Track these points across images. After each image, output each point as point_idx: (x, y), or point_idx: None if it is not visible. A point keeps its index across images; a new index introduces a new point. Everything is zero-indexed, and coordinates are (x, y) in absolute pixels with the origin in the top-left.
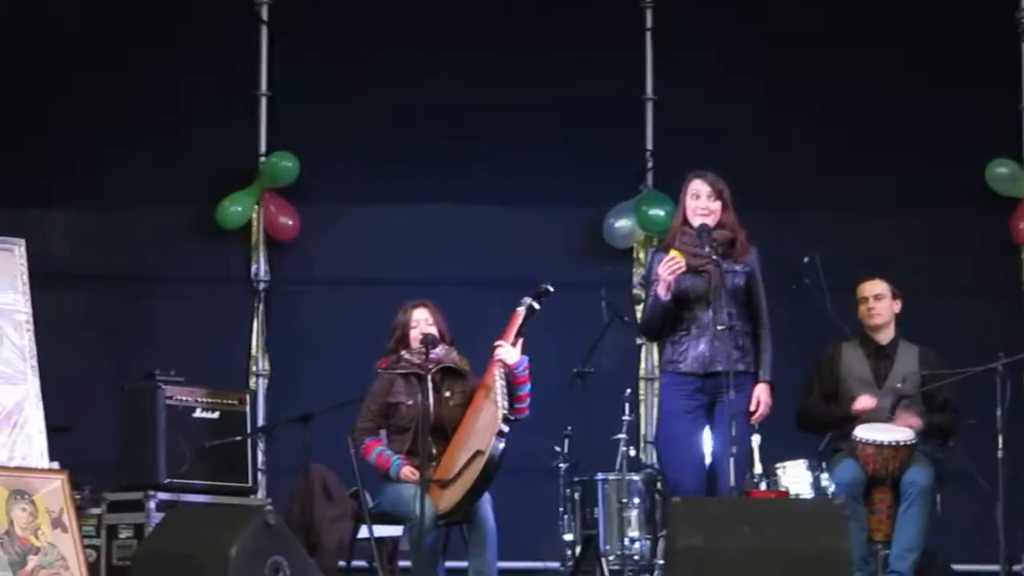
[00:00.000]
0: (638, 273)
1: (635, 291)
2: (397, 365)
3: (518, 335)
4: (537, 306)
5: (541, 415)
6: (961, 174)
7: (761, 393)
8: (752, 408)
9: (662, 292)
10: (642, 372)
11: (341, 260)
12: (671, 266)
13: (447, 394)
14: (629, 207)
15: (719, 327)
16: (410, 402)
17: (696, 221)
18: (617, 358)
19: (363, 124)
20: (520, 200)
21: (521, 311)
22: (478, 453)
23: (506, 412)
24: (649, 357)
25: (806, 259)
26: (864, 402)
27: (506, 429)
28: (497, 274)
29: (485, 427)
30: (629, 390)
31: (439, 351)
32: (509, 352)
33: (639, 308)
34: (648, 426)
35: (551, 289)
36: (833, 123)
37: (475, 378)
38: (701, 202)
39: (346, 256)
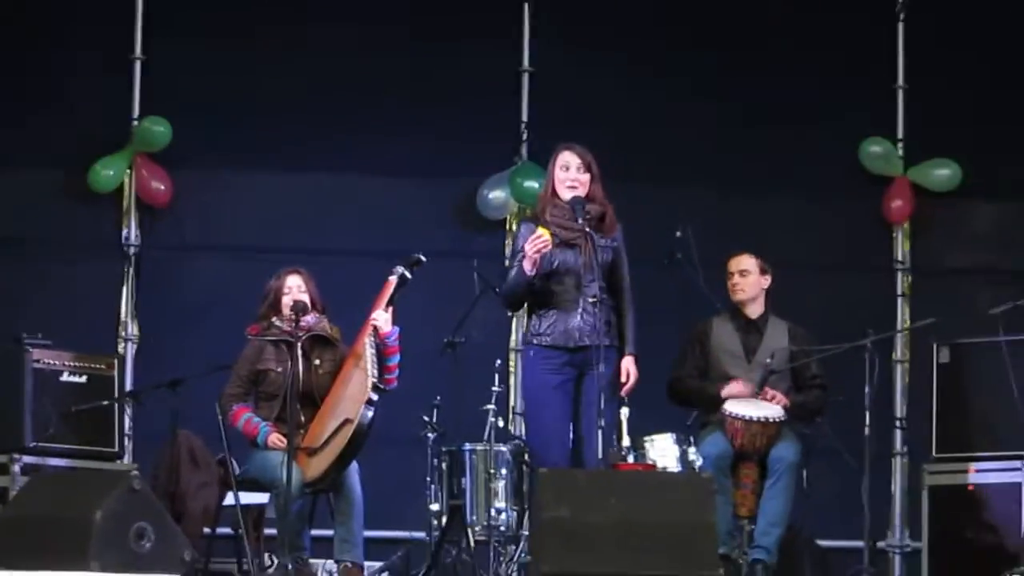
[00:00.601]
0: (511, 244)
1: (508, 262)
2: (267, 332)
3: (389, 304)
4: (409, 275)
5: (411, 385)
6: (836, 151)
7: (629, 365)
8: (623, 380)
9: (527, 267)
10: (513, 343)
11: (214, 227)
12: (536, 244)
13: (316, 362)
14: (503, 178)
15: (590, 299)
16: (279, 369)
17: (565, 193)
18: (488, 329)
19: (238, 90)
20: (395, 170)
21: (393, 280)
22: (346, 421)
23: (376, 381)
24: (520, 329)
25: (678, 233)
26: (735, 388)
27: (375, 398)
28: (371, 244)
29: (354, 396)
30: (499, 361)
31: (310, 319)
32: (380, 321)
33: None
34: (517, 398)
35: (423, 259)
36: (707, 98)
37: (345, 347)
38: (571, 174)
39: (219, 223)
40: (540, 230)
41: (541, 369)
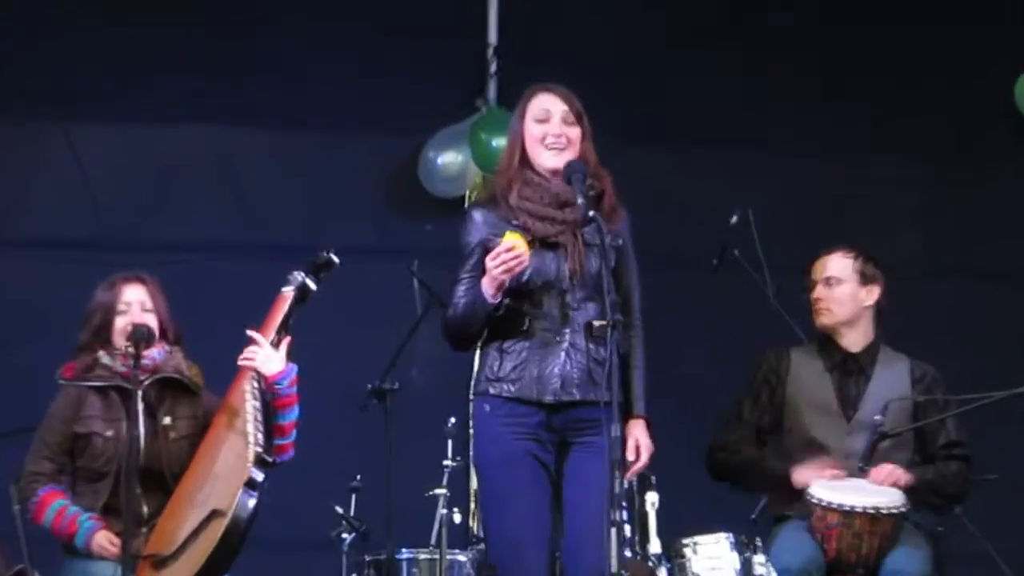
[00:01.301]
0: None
1: (456, 271)
2: (90, 374)
3: (282, 330)
4: (313, 285)
5: (316, 455)
6: (981, 96)
7: (639, 434)
8: (631, 455)
9: (488, 291)
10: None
11: (8, 208)
12: (504, 260)
13: (167, 420)
14: (459, 134)
15: (581, 326)
16: (109, 433)
17: (545, 158)
18: (436, 367)
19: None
20: (296, 122)
21: (288, 293)
22: (215, 513)
23: (260, 451)
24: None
25: (733, 219)
26: (818, 473)
27: (260, 477)
28: (258, 234)
29: (228, 473)
30: (453, 420)
31: (157, 353)
32: (267, 357)
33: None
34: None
35: (335, 259)
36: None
37: (212, 396)
38: (552, 127)
39: (18, 202)
40: (510, 238)
41: (502, 432)
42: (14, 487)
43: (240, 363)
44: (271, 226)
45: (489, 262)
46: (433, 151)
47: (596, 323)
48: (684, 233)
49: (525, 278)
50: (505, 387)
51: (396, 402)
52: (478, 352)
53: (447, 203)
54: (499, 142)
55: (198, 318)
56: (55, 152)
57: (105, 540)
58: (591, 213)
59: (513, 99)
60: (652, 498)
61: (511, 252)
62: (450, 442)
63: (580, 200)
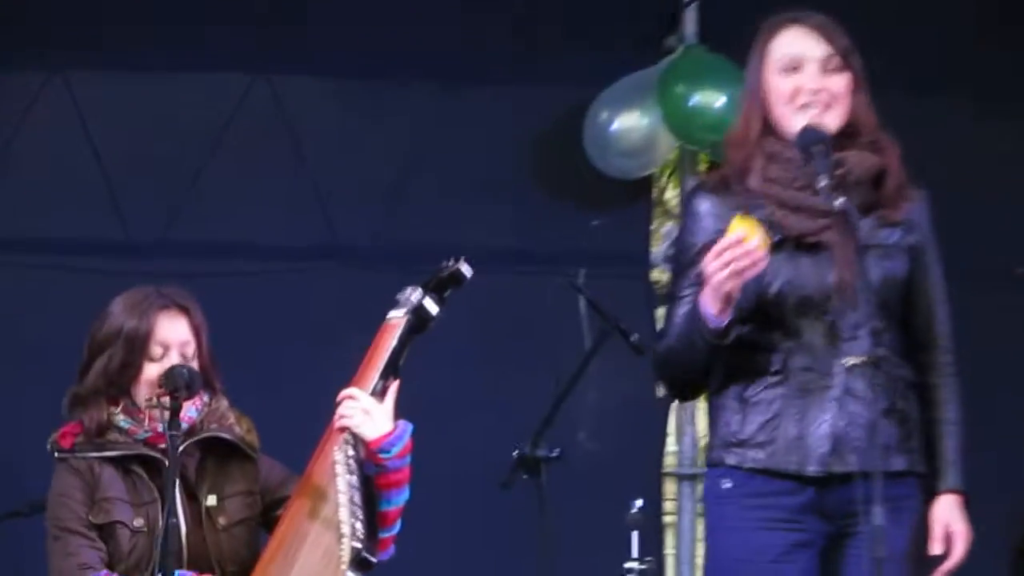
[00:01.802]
0: (661, 237)
1: (655, 273)
2: (102, 440)
3: (389, 374)
4: (434, 309)
5: (434, 556)
6: None
7: (949, 516)
8: (936, 548)
9: (712, 311)
10: (671, 462)
11: None
12: (735, 258)
13: (211, 501)
14: (643, 87)
15: (852, 362)
16: (137, 522)
17: (797, 123)
18: (614, 426)
19: None
20: (402, 71)
21: (398, 321)
22: None
23: (360, 547)
24: (689, 427)
25: None
26: None
27: None
28: (342, 234)
29: None
30: (640, 502)
31: (193, 411)
32: (369, 414)
33: (661, 319)
34: None
35: (466, 271)
36: None
37: (273, 463)
38: (806, 78)
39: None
40: (739, 225)
41: (747, 521)
42: None
43: (335, 422)
44: (362, 222)
45: (707, 264)
46: (606, 112)
47: (849, 360)
48: (983, 229)
49: (772, 291)
50: (751, 454)
51: (555, 477)
52: (706, 404)
53: (626, 187)
54: (703, 98)
55: (248, 350)
56: (56, 112)
57: None
58: (837, 202)
59: (721, 34)
60: None
61: (740, 247)
62: (635, 536)
63: (822, 182)
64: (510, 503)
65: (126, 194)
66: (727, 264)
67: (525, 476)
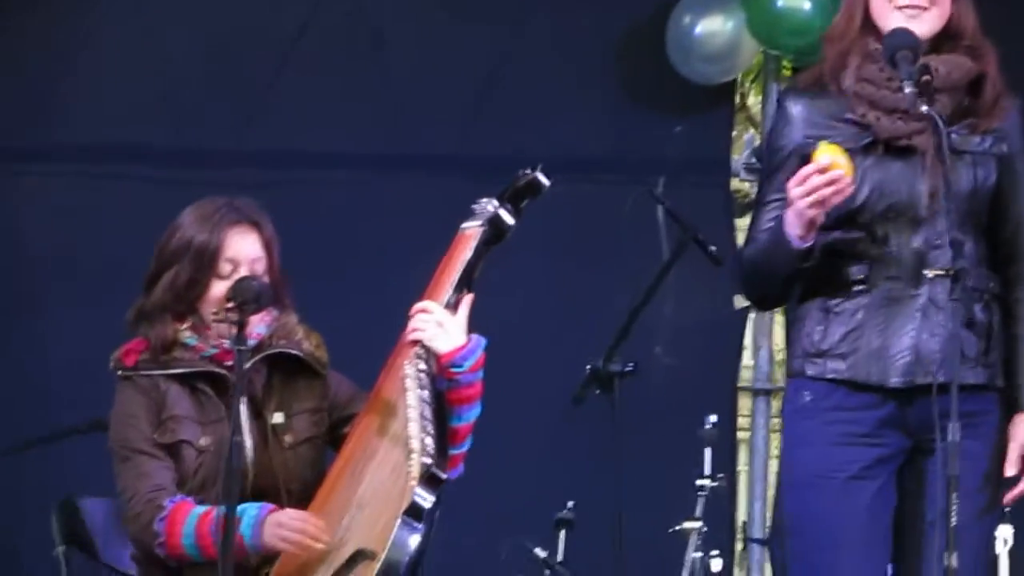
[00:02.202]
0: (743, 145)
1: (736, 182)
2: (168, 357)
3: (463, 286)
4: (510, 220)
5: (506, 471)
6: None
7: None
8: (1010, 468)
9: (795, 232)
10: (746, 376)
11: (42, 104)
12: (817, 188)
13: (278, 418)
14: None
15: (934, 273)
16: (203, 440)
17: (895, 19)
18: (690, 340)
19: None
20: None
21: (473, 231)
22: (360, 556)
23: (430, 463)
24: (765, 340)
25: None
26: None
27: (429, 503)
28: (412, 141)
29: (379, 498)
30: (714, 417)
31: (263, 327)
32: (442, 327)
33: (742, 230)
34: (759, 502)
35: (544, 180)
36: None
37: (343, 380)
38: None
39: (57, 95)
40: (825, 151)
41: (825, 432)
42: (132, 525)
43: (407, 336)
44: (441, 129)
45: (792, 189)
46: (689, 14)
47: (929, 272)
48: None
49: (860, 197)
50: (831, 365)
51: (628, 392)
52: (784, 317)
53: (709, 93)
54: (788, 1)
55: (327, 263)
56: (126, 18)
57: (299, 523)
58: (924, 109)
59: None
60: (1005, 533)
61: (825, 176)
62: (708, 452)
63: (907, 88)
64: (583, 418)
65: (200, 101)
66: (811, 191)
67: (598, 391)
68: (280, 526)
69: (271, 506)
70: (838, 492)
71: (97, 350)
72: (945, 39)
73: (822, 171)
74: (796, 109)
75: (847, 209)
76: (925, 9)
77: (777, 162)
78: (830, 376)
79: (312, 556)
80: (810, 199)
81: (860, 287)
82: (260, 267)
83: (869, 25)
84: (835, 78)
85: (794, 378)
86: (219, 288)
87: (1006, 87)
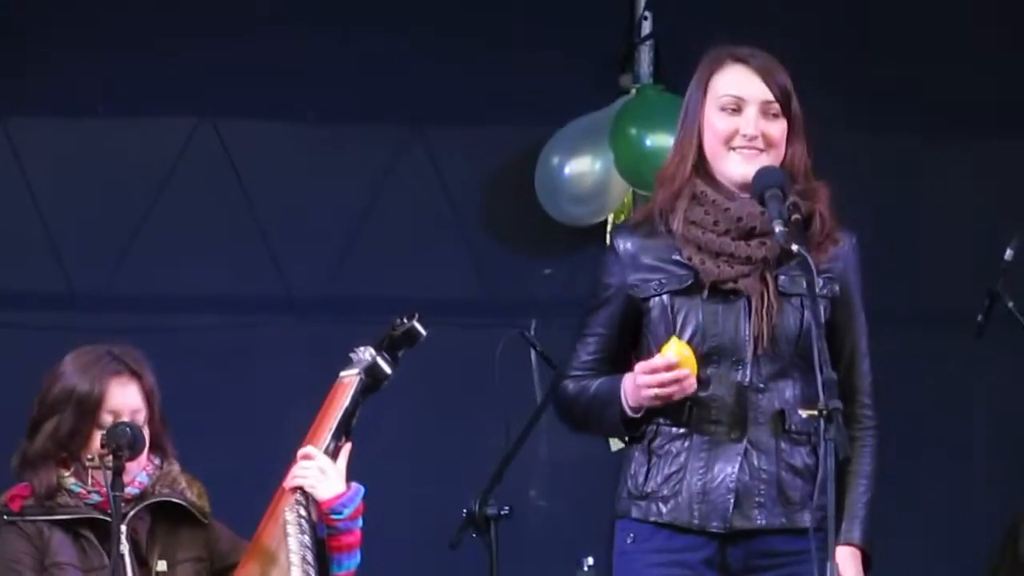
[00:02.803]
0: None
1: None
2: (52, 503)
3: (341, 434)
4: (388, 369)
5: None
6: None
7: (845, 567)
8: None
9: (630, 406)
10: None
11: None
12: (666, 385)
13: (161, 567)
14: (596, 129)
15: (760, 416)
16: None
17: (731, 165)
18: (565, 480)
19: None
20: (347, 113)
21: (350, 379)
22: None
23: None
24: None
25: (1008, 252)
26: None
27: None
28: (287, 285)
29: None
30: (590, 561)
31: (144, 476)
32: (323, 473)
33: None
34: None
35: (421, 330)
36: None
37: (224, 528)
38: (745, 122)
39: None
40: (673, 347)
41: (649, 574)
42: None
43: (289, 481)
44: (312, 273)
45: (641, 376)
46: (557, 155)
47: (803, 412)
48: (934, 277)
49: (685, 339)
50: (654, 507)
51: (505, 535)
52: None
53: (579, 234)
54: (657, 140)
55: (204, 408)
56: None
57: None
58: (795, 247)
59: (677, 73)
60: None
61: (672, 374)
62: None
63: (778, 228)
64: (460, 563)
65: (68, 245)
66: (657, 385)
67: (474, 535)
68: None
69: None
70: None
71: None
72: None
73: (669, 368)
74: (625, 247)
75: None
76: (761, 151)
77: (603, 298)
78: (653, 518)
79: None
80: (653, 392)
81: (682, 429)
82: (140, 417)
83: (700, 167)
84: (664, 219)
85: (620, 519)
86: (100, 438)
87: (837, 225)
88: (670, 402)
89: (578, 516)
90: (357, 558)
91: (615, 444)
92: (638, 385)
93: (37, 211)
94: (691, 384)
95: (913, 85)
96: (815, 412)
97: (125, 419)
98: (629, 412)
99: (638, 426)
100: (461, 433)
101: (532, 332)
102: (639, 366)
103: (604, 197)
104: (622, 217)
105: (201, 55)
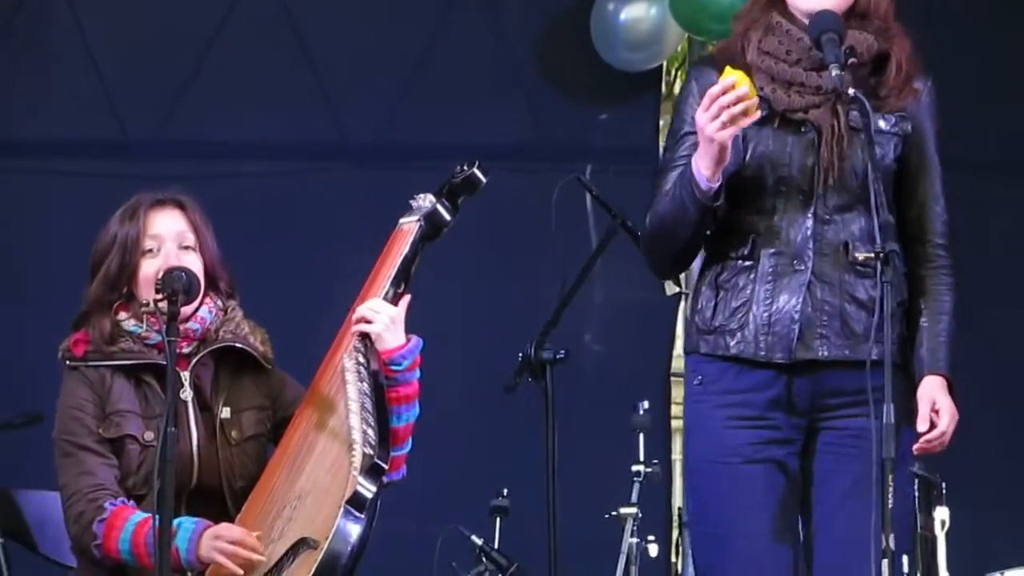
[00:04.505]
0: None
1: (659, 166)
2: (112, 348)
3: (401, 282)
4: (448, 216)
5: (442, 460)
6: None
7: (934, 393)
8: (922, 424)
9: (704, 172)
10: (678, 364)
11: None
12: (727, 109)
13: (225, 413)
14: None
15: (824, 248)
16: (149, 435)
17: (806, 1)
18: (621, 325)
19: None
20: None
21: (410, 227)
22: (303, 544)
23: (372, 453)
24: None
25: None
26: None
27: (371, 492)
28: (347, 131)
29: (321, 489)
30: (646, 404)
31: (207, 312)
32: (384, 322)
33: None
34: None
35: (481, 176)
36: None
37: (287, 377)
38: None
39: None
40: (730, 73)
41: (717, 416)
42: (73, 526)
43: (353, 327)
44: (368, 119)
45: (699, 116)
46: (612, 2)
47: (859, 254)
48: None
49: (753, 166)
50: (722, 341)
51: (561, 379)
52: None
53: (634, 80)
54: None
55: (260, 258)
56: (48, 9)
57: (225, 542)
58: (851, 92)
59: None
60: (942, 514)
61: (732, 94)
62: (642, 438)
63: (834, 71)
64: (516, 406)
65: (123, 93)
66: (719, 112)
67: (530, 379)
68: (218, 538)
69: (207, 522)
70: (731, 478)
71: (32, 348)
72: (853, 16)
73: (727, 91)
74: (701, 80)
75: (740, 176)
76: None
77: (681, 131)
78: (720, 352)
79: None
80: (719, 120)
81: (748, 261)
82: (188, 240)
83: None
84: (740, 51)
85: (689, 354)
86: (149, 267)
87: (917, 69)
88: (739, 129)
89: (633, 360)
90: (416, 410)
91: (670, 288)
92: (700, 130)
93: (91, 59)
94: (755, 104)
95: None
96: (871, 255)
97: (169, 242)
98: (704, 183)
99: (718, 197)
100: (518, 278)
101: (587, 177)
102: (698, 112)
103: (659, 43)
104: (676, 64)
105: None
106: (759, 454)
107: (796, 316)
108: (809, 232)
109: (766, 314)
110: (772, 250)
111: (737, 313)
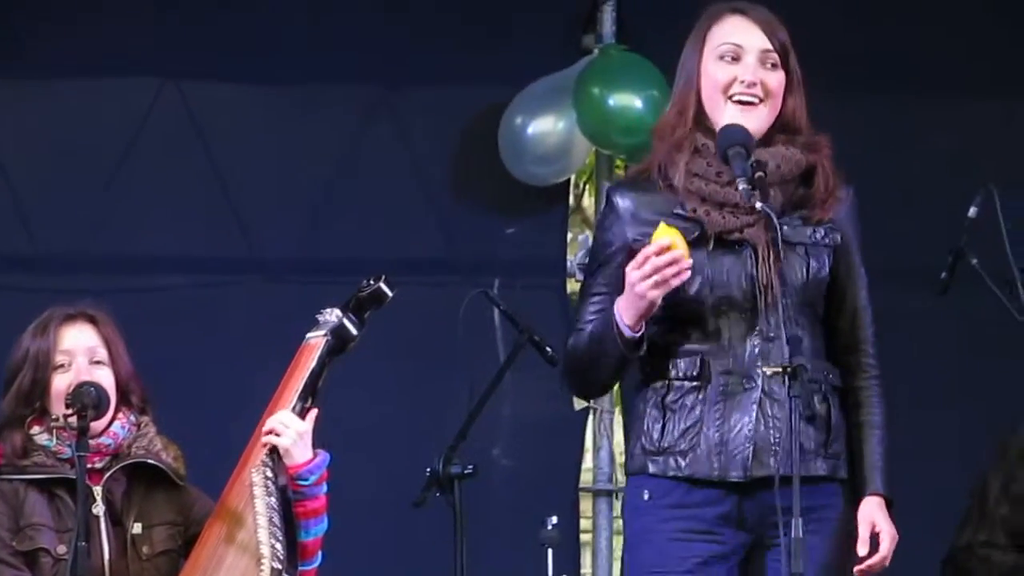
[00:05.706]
0: (578, 246)
1: (572, 283)
2: (24, 462)
3: (307, 397)
4: (355, 330)
5: (345, 573)
6: None
7: (874, 516)
8: (862, 548)
9: (627, 320)
10: (587, 478)
11: None
12: (661, 271)
13: (136, 529)
14: (559, 90)
15: (771, 371)
16: (62, 548)
17: (728, 117)
18: (529, 440)
19: None
20: (310, 73)
21: (317, 341)
22: None
23: (280, 568)
24: (606, 441)
25: (972, 209)
26: None
27: None
28: (256, 247)
29: None
30: (555, 520)
31: (120, 427)
32: (292, 436)
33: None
34: None
35: (388, 291)
36: None
37: (199, 493)
38: (744, 70)
39: None
40: (664, 233)
41: (664, 533)
42: None
43: (262, 439)
44: (280, 234)
45: (631, 272)
46: (520, 116)
47: (767, 369)
48: (898, 233)
49: (692, 290)
50: (672, 462)
51: (469, 494)
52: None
53: (543, 194)
54: (620, 100)
55: (173, 372)
56: None
57: None
58: (759, 206)
59: (640, 34)
60: None
61: (666, 256)
62: (550, 553)
63: (742, 185)
64: (424, 522)
65: (34, 207)
66: (653, 271)
67: (438, 494)
68: None
69: None
70: None
71: None
72: (777, 132)
73: (661, 252)
74: (624, 204)
75: (679, 301)
76: (760, 101)
77: (604, 256)
78: (671, 473)
79: None
80: (651, 280)
81: (695, 382)
82: (100, 355)
83: (699, 120)
84: (664, 173)
85: (635, 475)
86: (61, 382)
87: (839, 178)
88: (668, 291)
89: (541, 475)
90: (324, 523)
91: (579, 403)
92: (630, 286)
93: (3, 175)
94: (688, 266)
95: (881, 45)
96: (779, 369)
97: (80, 358)
98: (628, 332)
99: (640, 347)
100: (426, 392)
101: (495, 291)
102: (629, 266)
103: (567, 157)
104: (584, 177)
105: (166, 16)
106: (705, 568)
107: (749, 434)
108: (757, 351)
109: (717, 434)
110: (721, 370)
111: (687, 434)
